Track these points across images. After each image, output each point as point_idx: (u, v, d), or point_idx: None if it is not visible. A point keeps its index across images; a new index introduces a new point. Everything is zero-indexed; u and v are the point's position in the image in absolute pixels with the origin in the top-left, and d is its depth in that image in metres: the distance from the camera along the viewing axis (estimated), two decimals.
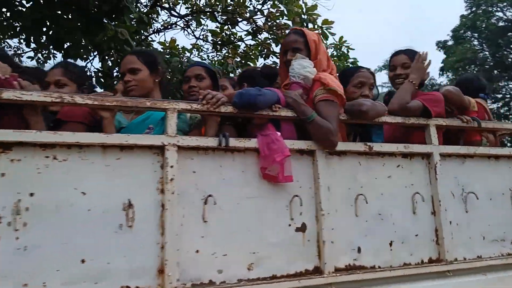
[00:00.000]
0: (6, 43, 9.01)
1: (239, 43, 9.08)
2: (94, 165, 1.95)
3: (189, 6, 8.90)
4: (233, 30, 9.00)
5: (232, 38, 9.13)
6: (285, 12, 7.42)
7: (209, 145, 2.14)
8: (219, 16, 8.83)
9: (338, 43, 8.63)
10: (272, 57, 8.18)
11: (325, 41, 7.42)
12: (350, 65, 8.31)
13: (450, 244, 2.61)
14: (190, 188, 2.09)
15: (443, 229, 2.60)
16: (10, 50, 9.16)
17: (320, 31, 7.10)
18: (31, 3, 5.70)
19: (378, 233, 2.47)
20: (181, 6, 9.02)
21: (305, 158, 2.37)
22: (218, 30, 8.97)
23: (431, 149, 2.69)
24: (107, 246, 1.90)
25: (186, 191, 2.08)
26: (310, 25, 7.17)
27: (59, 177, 1.88)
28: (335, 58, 8.63)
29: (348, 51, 8.78)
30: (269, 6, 7.98)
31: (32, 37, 6.01)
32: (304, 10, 7.18)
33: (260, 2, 8.13)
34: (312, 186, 2.35)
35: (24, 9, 6.01)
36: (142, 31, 7.79)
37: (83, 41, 5.97)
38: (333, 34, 7.38)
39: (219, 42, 9.26)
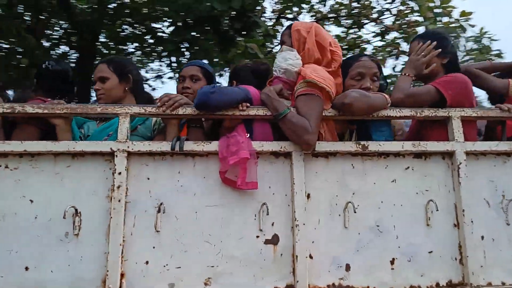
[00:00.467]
0: (148, 66, 10.10)
1: (366, 45, 8.87)
2: (44, 173, 1.96)
3: (313, 14, 8.94)
4: (359, 33, 8.89)
5: (359, 41, 8.94)
6: (416, 8, 7.00)
7: (163, 150, 2.01)
8: (344, 21, 8.71)
9: (478, 34, 7.88)
10: (402, 57, 7.93)
11: (463, 34, 6.90)
12: (493, 58, 7.56)
13: (479, 264, 2.09)
14: (142, 195, 1.99)
15: (468, 245, 2.09)
16: (152, 73, 10.24)
17: (458, 24, 6.58)
18: (172, 28, 6.37)
19: (375, 248, 2.07)
20: (305, 15, 9.16)
21: (281, 161, 2.10)
22: (344, 34, 8.89)
23: (454, 147, 2.19)
24: (51, 254, 1.89)
25: (138, 198, 1.98)
26: (445, 19, 6.69)
27: (9, 185, 1.93)
28: (476, 51, 7.93)
29: (490, 43, 7.99)
30: (398, 4, 7.71)
31: (173, 59, 6.71)
32: (438, 3, 6.69)
33: (389, 1, 7.90)
34: (288, 192, 2.07)
35: (165, 35, 6.73)
36: (268, 44, 8.10)
37: (217, 58, 6.48)
38: (472, 26, 6.78)
39: (346, 47, 9.14)
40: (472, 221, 2.11)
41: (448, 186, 2.18)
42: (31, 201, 1.92)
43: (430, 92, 2.25)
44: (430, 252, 2.10)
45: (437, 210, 2.11)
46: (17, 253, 1.87)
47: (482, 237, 2.14)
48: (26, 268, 1.86)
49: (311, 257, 2.02)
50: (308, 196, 2.08)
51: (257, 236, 2.02)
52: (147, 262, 1.93)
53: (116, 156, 1.97)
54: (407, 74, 2.37)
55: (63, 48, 8.16)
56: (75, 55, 8.17)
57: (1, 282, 1.84)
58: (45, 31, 7.55)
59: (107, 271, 1.86)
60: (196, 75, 2.61)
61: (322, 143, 2.12)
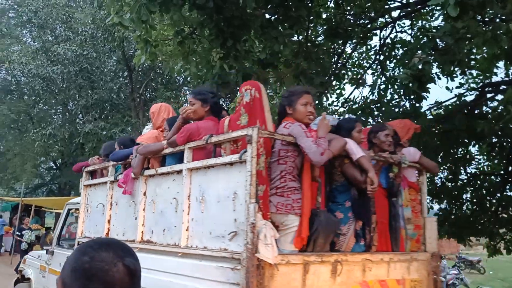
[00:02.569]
0: None
1: None
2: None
3: None
4: None
5: None
6: None
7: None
8: None
9: None
10: None
11: None
12: None
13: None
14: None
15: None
16: None
17: None
18: None
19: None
20: None
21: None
22: None
23: (181, 166, 3.74)
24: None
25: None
26: None
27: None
28: None
29: None
30: None
31: None
32: None
33: None
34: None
35: None
36: None
37: None
38: None
39: None
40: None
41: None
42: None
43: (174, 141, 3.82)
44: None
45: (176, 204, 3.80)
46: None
47: (191, 220, 3.61)
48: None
49: (144, 225, 4.24)
50: (151, 200, 4.28)
51: (134, 216, 4.44)
52: (124, 228, 4.80)
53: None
54: (178, 122, 3.94)
55: None
56: None
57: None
58: None
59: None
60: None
61: (148, 170, 4.26)
